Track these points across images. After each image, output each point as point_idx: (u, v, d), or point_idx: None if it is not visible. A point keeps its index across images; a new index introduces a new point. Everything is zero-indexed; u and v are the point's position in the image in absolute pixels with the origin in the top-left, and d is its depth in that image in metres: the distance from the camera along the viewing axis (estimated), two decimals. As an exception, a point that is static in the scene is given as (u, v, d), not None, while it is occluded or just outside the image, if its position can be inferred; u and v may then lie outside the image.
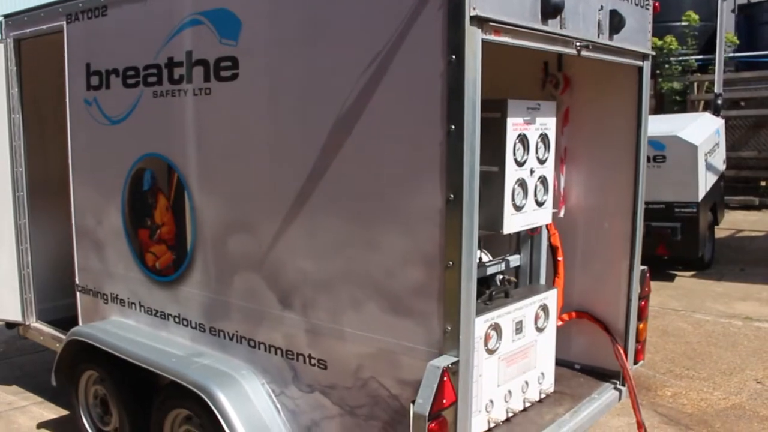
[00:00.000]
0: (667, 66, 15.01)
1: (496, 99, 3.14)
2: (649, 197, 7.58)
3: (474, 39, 2.42)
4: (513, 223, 3.26)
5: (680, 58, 15.22)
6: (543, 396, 3.74)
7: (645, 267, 4.13)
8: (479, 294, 3.50)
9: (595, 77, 3.88)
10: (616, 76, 3.80)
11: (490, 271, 3.89)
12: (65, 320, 4.67)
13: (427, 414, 2.44)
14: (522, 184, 3.28)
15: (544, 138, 3.41)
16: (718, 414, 4.55)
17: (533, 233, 3.82)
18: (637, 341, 4.16)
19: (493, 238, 3.72)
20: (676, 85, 15.07)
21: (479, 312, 3.32)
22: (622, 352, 3.99)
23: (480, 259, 3.84)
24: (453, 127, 2.45)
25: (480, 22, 2.43)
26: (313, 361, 3.07)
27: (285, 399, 3.24)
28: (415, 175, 2.60)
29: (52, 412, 4.76)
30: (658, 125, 8.55)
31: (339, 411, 2.99)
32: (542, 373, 3.75)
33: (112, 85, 3.94)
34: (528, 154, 3.30)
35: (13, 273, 4.97)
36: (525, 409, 3.63)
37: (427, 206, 2.55)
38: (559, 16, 2.86)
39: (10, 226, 4.92)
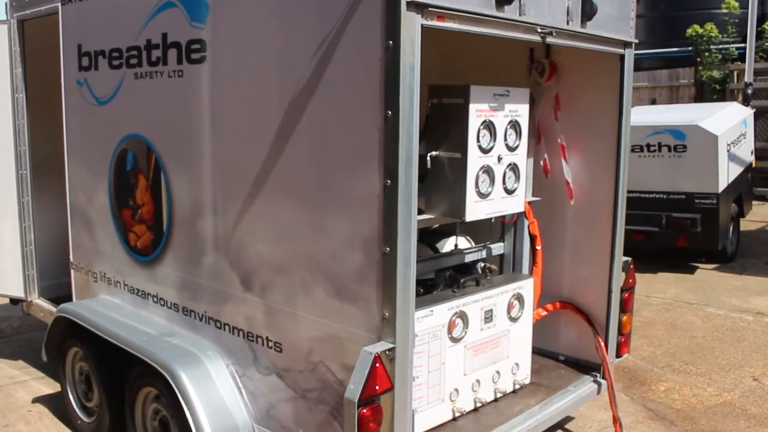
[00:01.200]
0: (707, 54, 14.53)
1: (458, 85, 3.10)
2: (669, 187, 7.52)
3: (411, 24, 2.39)
4: (477, 210, 3.21)
5: (720, 47, 14.70)
6: (517, 387, 3.71)
7: (628, 258, 4.04)
8: (456, 281, 3.50)
9: (581, 64, 3.81)
10: (599, 63, 3.71)
11: (468, 258, 3.86)
12: (67, 298, 4.79)
13: (356, 400, 2.44)
14: (488, 171, 3.23)
15: (514, 125, 3.35)
16: (706, 410, 4.44)
17: (509, 221, 3.76)
18: (621, 334, 4.08)
19: (476, 225, 3.68)
20: (716, 73, 14.59)
21: (443, 299, 3.32)
22: (602, 344, 3.92)
23: (456, 245, 3.82)
24: (390, 112, 2.42)
25: (419, 7, 2.40)
26: (270, 344, 3.10)
27: (247, 381, 3.28)
28: (356, 161, 2.59)
29: (50, 387, 4.90)
30: (681, 114, 8.32)
31: (293, 394, 3.02)
32: (516, 364, 3.71)
33: (100, 67, 4.02)
34: (495, 141, 3.24)
35: (16, 250, 5.12)
36: (496, 400, 3.60)
37: (366, 192, 2.54)
38: (518, 2, 2.80)
39: (13, 204, 5.08)
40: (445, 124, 3.16)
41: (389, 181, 2.46)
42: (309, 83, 2.71)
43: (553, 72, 3.91)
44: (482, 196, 3.23)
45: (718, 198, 7.36)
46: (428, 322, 3.19)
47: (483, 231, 3.93)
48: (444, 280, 3.64)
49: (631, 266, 4.05)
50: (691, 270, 8.09)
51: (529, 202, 3.83)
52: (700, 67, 14.69)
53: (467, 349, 3.42)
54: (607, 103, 3.76)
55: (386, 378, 2.52)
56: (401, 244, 2.49)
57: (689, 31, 14.82)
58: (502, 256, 4.06)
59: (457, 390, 3.38)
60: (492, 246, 3.97)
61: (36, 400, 4.75)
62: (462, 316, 3.36)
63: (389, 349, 2.54)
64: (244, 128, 3.07)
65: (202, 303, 3.48)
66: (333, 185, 2.70)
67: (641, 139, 7.47)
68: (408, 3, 2.36)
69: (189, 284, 3.56)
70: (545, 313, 4.08)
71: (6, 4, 5.00)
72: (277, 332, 3.06)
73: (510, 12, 2.79)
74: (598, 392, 3.92)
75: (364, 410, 2.48)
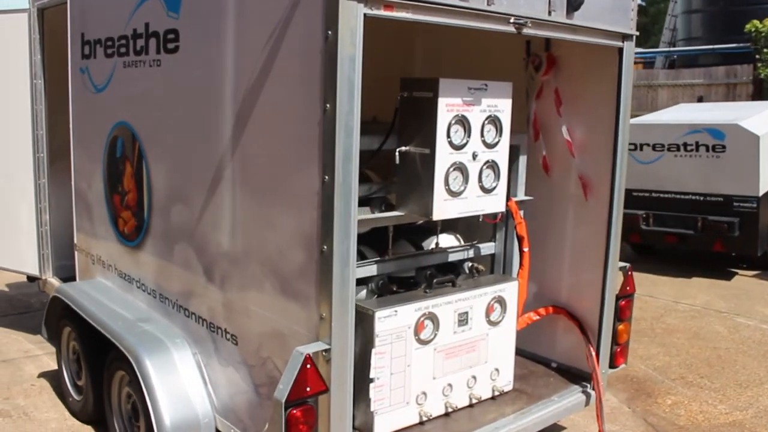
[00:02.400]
0: (766, 51, 13.72)
1: (428, 78, 2.98)
2: (705, 189, 7.16)
3: (351, 14, 2.30)
4: (446, 209, 3.10)
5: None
6: (497, 393, 3.57)
7: (627, 264, 3.83)
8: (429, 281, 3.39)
9: (582, 58, 3.63)
10: (600, 57, 3.51)
11: (453, 257, 3.74)
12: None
13: (283, 400, 2.39)
14: (460, 168, 3.11)
15: (494, 121, 3.20)
16: (711, 429, 4.19)
17: (491, 221, 3.61)
18: (616, 343, 3.89)
19: (466, 224, 3.58)
20: (775, 71, 13.78)
21: (411, 299, 3.22)
22: (593, 353, 3.73)
23: (437, 244, 3.70)
24: (328, 106, 2.34)
25: (359, -4, 2.30)
26: (228, 336, 3.08)
27: (211, 371, 3.27)
28: (299, 156, 2.53)
29: (59, 363, 5.05)
30: (722, 113, 7.90)
31: (246, 388, 3.00)
32: (496, 369, 3.57)
33: (98, 55, 4.07)
34: (469, 137, 3.11)
35: (32, 230, 5.28)
36: (471, 406, 3.48)
37: (307, 188, 2.48)
38: (485, -8, 2.67)
39: (30, 186, 5.23)
40: (414, 119, 3.05)
41: (326, 177, 2.39)
42: (260, 75, 2.65)
43: (551, 66, 3.73)
44: (453, 194, 3.11)
45: (758, 201, 6.95)
46: (391, 322, 3.09)
47: (473, 230, 3.80)
48: (424, 278, 3.53)
49: (630, 272, 3.84)
50: (728, 276, 7.68)
51: (517, 202, 3.68)
52: (759, 64, 13.88)
53: (437, 352, 3.30)
54: (603, 99, 3.57)
55: (319, 380, 2.45)
56: (338, 242, 2.41)
57: (748, 26, 14.01)
58: (493, 256, 3.92)
59: (425, 393, 3.28)
60: (481, 246, 3.84)
61: (41, 375, 4.89)
62: (432, 317, 3.25)
63: (325, 350, 2.47)
64: (205, 120, 3.05)
65: (174, 291, 3.50)
66: (279, 180, 2.65)
67: (678, 137, 7.12)
68: (346, -8, 2.26)
69: (164, 271, 3.58)
70: (537, 317, 3.93)
71: (30, -7, 5.13)
72: (233, 325, 3.04)
73: (476, 1, 2.65)
74: (587, 404, 3.75)
75: (295, 411, 2.42)
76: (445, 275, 3.49)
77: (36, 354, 5.30)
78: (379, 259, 3.36)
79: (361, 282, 3.39)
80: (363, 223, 3.19)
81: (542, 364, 4.05)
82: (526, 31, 2.91)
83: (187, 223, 3.30)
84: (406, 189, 3.16)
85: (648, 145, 7.75)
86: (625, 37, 3.44)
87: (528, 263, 3.71)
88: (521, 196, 3.81)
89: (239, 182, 2.87)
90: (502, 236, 3.88)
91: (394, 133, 3.11)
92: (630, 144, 7.74)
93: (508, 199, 3.62)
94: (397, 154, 3.07)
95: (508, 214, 3.68)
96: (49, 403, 4.46)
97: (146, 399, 3.16)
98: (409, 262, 3.54)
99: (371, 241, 3.44)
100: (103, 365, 3.79)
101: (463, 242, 3.82)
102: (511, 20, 2.80)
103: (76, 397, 4.26)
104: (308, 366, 2.40)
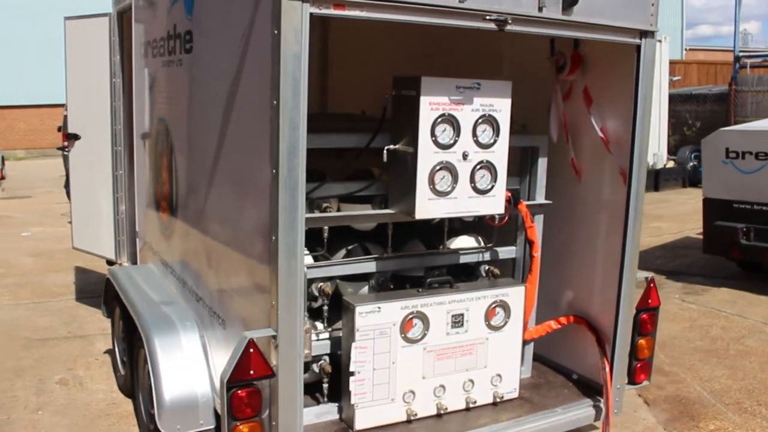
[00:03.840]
0: None
1: (411, 76, 2.98)
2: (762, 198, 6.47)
3: (295, 14, 2.37)
4: (431, 208, 3.08)
5: None
6: (498, 400, 3.49)
7: (649, 275, 3.60)
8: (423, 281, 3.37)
9: (609, 56, 3.46)
10: (617, 55, 3.34)
11: (465, 259, 3.68)
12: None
13: (225, 380, 2.50)
14: (448, 168, 3.08)
15: (488, 120, 3.14)
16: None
17: (494, 223, 3.52)
18: (636, 359, 3.67)
19: (488, 226, 3.56)
20: None
21: (398, 297, 3.22)
22: (608, 367, 3.55)
23: (443, 245, 3.64)
24: (275, 101, 2.42)
25: (304, -5, 2.36)
26: (219, 320, 3.24)
27: (214, 353, 3.45)
28: (257, 150, 2.63)
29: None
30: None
31: (232, 371, 3.13)
32: (498, 375, 3.50)
33: (149, 55, 4.40)
34: (458, 136, 3.07)
35: (110, 217, 5.78)
36: (468, 409, 3.43)
37: (263, 180, 2.57)
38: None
39: (110, 177, 5.72)
40: (401, 117, 3.07)
41: (274, 170, 2.47)
42: (235, 74, 2.80)
43: (576, 65, 3.59)
44: (440, 194, 3.08)
45: None
46: (374, 318, 3.12)
47: (501, 233, 3.71)
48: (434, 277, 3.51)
49: (651, 285, 3.61)
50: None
51: (529, 206, 3.57)
52: None
53: (427, 352, 3.29)
54: (622, 99, 3.39)
55: (263, 364, 2.54)
56: (283, 233, 2.49)
57: None
58: (514, 260, 3.82)
59: (413, 392, 3.28)
60: (499, 249, 3.76)
61: (107, 351, 5.33)
62: (421, 317, 3.24)
63: (273, 337, 2.56)
64: (201, 115, 3.24)
65: (189, 277, 3.72)
66: (246, 173, 2.79)
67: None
68: (290, -8, 2.33)
69: (184, 258, 3.82)
70: (557, 326, 3.79)
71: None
72: (221, 309, 3.21)
73: (446, -1, 2.63)
74: (596, 419, 3.57)
75: (240, 392, 2.53)
76: (444, 276, 3.46)
77: (110, 332, 5.77)
78: (373, 256, 3.39)
79: (362, 278, 3.45)
80: (360, 220, 3.27)
81: (564, 374, 3.90)
82: (512, 28, 2.84)
83: (193, 213, 3.51)
84: (395, 187, 3.18)
85: (750, 153, 7.16)
86: (644, 33, 3.24)
87: (537, 269, 3.60)
88: (540, 199, 3.70)
89: (223, 175, 3.02)
90: (523, 240, 3.78)
91: (387, 131, 3.13)
92: (731, 152, 7.25)
93: (518, 202, 3.54)
94: (385, 152, 3.10)
95: (518, 218, 3.59)
96: (104, 376, 4.86)
97: (150, 376, 3.39)
98: (413, 261, 3.53)
99: (378, 238, 3.48)
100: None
101: (483, 245, 3.75)
102: (487, 17, 2.73)
103: (122, 371, 4.62)
104: (251, 350, 2.50)
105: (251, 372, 2.51)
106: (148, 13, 4.45)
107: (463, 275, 3.78)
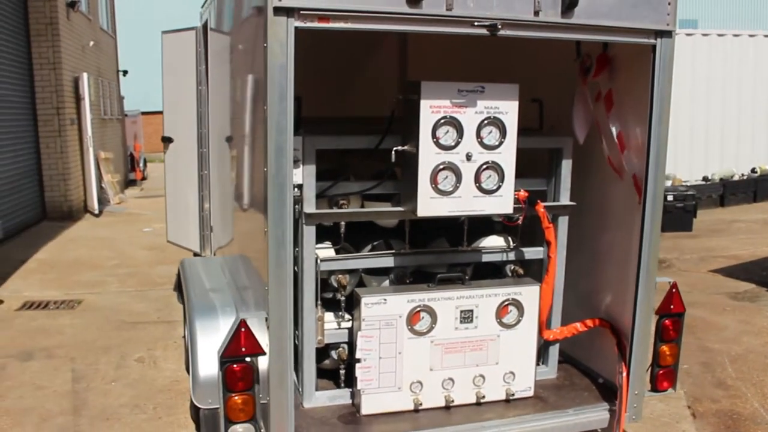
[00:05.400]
0: None
1: (415, 81, 3.15)
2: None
3: (281, 28, 2.61)
4: (433, 207, 3.22)
5: None
6: (511, 397, 3.56)
7: (671, 280, 3.53)
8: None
9: (631, 59, 3.45)
10: (635, 57, 3.33)
11: (487, 258, 3.77)
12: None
13: (219, 354, 2.79)
14: (451, 168, 3.21)
15: (494, 122, 3.24)
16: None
17: (510, 223, 3.58)
18: (659, 365, 3.61)
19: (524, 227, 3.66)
20: None
21: (405, 291, 3.39)
22: (624, 372, 3.52)
23: (463, 244, 3.74)
24: (266, 107, 2.69)
25: (289, 11, 2.60)
26: (246, 306, 3.56)
27: (246, 337, 3.78)
28: (258, 150, 2.90)
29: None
30: None
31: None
32: (511, 373, 3.57)
33: (220, 65, 4.84)
34: (461, 137, 3.20)
35: (196, 213, 6.32)
36: (479, 404, 3.53)
37: (261, 177, 2.84)
38: (440, -5, 2.77)
39: (195, 176, 6.27)
40: (408, 120, 3.24)
41: (265, 169, 2.73)
42: (242, 83, 3.09)
43: (602, 67, 3.60)
44: (443, 193, 3.22)
45: None
46: (379, 309, 3.31)
47: (517, 233, 3.79)
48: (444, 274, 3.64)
49: (674, 289, 3.53)
50: None
51: (547, 207, 3.61)
52: None
53: (435, 345, 3.42)
54: (638, 101, 3.36)
55: (255, 343, 2.81)
56: (272, 225, 2.75)
57: None
58: (541, 261, 3.87)
59: (420, 383, 3.42)
60: (525, 250, 3.81)
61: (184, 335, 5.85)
62: (428, 310, 3.39)
63: (265, 318, 2.82)
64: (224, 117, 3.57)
65: (239, 267, 4.07)
66: (256, 169, 3.05)
67: None
68: (275, 9, 2.59)
69: (227, 249, 4.19)
70: (584, 329, 3.80)
71: (200, 14, 6.17)
72: (246, 294, 3.51)
73: (433, 7, 2.77)
74: (609, 423, 3.54)
75: (234, 366, 2.81)
76: (458, 273, 3.57)
77: (190, 317, 6.33)
78: (385, 252, 3.56)
79: (385, 272, 3.65)
80: (363, 216, 3.47)
81: (591, 378, 3.89)
82: (506, 32, 2.93)
83: (238, 209, 3.86)
84: (404, 187, 3.35)
85: None
86: (660, 33, 3.21)
87: (554, 270, 3.63)
88: (564, 201, 3.73)
89: (255, 174, 3.32)
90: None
91: (397, 134, 3.31)
92: None
93: (535, 203, 3.58)
94: (393, 153, 3.28)
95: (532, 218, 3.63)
96: (176, 357, 5.37)
97: (190, 357, 3.76)
98: (431, 258, 3.67)
99: (402, 235, 3.65)
100: (193, 326, 4.52)
101: (512, 244, 3.82)
102: (476, 23, 2.85)
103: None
104: (243, 329, 2.78)
105: (243, 349, 2.79)
106: (217, 27, 4.88)
107: (492, 275, 3.87)
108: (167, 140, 6.68)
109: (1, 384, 4.69)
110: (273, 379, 2.87)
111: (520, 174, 3.86)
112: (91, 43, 15.75)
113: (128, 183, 19.91)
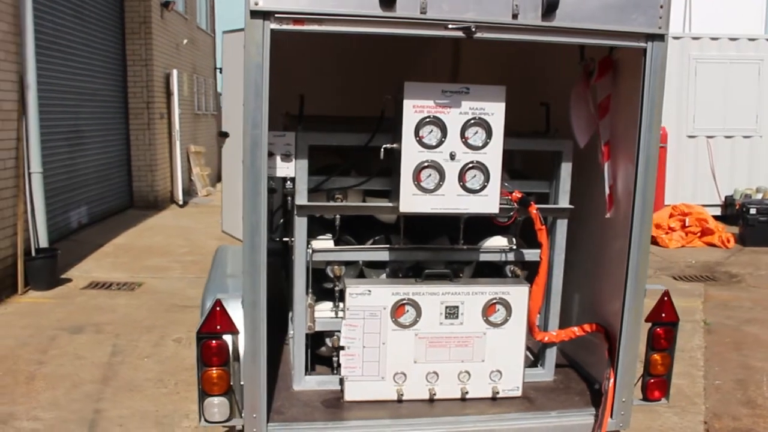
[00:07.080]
0: None
1: (401, 81, 3.26)
2: None
3: (257, 30, 2.81)
4: (416, 203, 3.33)
5: None
6: (498, 395, 3.61)
7: (662, 288, 3.46)
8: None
9: (633, 63, 3.43)
10: (636, 61, 3.31)
11: (487, 258, 3.82)
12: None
13: (196, 330, 3.02)
14: (434, 166, 3.30)
15: (479, 123, 3.31)
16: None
17: (501, 223, 3.62)
18: (650, 374, 3.55)
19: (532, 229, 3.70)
20: None
21: (390, 284, 3.51)
22: (611, 378, 3.49)
23: (460, 242, 3.81)
24: (243, 104, 2.89)
25: (264, 14, 2.80)
26: (245, 291, 3.78)
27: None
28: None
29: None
30: None
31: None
32: (498, 371, 3.62)
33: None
34: (445, 137, 3.29)
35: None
36: (463, 400, 3.59)
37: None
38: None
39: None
40: (396, 119, 3.36)
41: (244, 162, 2.94)
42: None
43: (605, 70, 3.59)
44: (425, 190, 3.32)
45: None
46: (363, 299, 3.44)
47: (529, 234, 3.83)
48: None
49: (666, 298, 3.47)
50: None
51: (541, 209, 3.63)
52: None
53: (419, 338, 3.52)
54: (630, 105, 3.34)
55: (229, 321, 3.03)
56: (247, 214, 2.96)
57: None
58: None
59: (404, 374, 3.53)
60: (525, 251, 3.85)
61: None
62: (413, 304, 3.49)
63: (241, 300, 3.03)
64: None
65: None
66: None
67: None
68: (252, 12, 2.79)
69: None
70: (581, 333, 3.81)
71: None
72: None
73: (407, 10, 2.88)
74: (593, 429, 3.52)
75: (211, 342, 3.03)
76: (442, 269, 3.63)
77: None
78: (375, 246, 3.69)
79: (382, 266, 3.78)
80: (350, 210, 3.60)
81: (588, 383, 3.87)
82: (483, 35, 2.99)
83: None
84: (393, 183, 3.47)
85: None
86: (651, 37, 3.17)
87: (544, 272, 3.64)
88: (563, 203, 3.73)
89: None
90: (552, 244, 3.82)
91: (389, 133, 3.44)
92: None
93: (528, 204, 3.61)
94: (382, 150, 3.41)
95: (526, 220, 3.67)
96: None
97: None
98: (427, 254, 3.76)
99: (405, 231, 3.77)
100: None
101: (515, 245, 3.86)
102: (450, 26, 2.93)
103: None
104: (218, 308, 3.00)
105: (218, 327, 3.01)
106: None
107: (494, 276, 3.93)
108: (224, 135, 7.05)
109: (48, 352, 5.16)
110: (246, 357, 3.07)
111: (522, 176, 3.93)
112: (185, 41, 16.67)
113: (220, 177, 20.86)
